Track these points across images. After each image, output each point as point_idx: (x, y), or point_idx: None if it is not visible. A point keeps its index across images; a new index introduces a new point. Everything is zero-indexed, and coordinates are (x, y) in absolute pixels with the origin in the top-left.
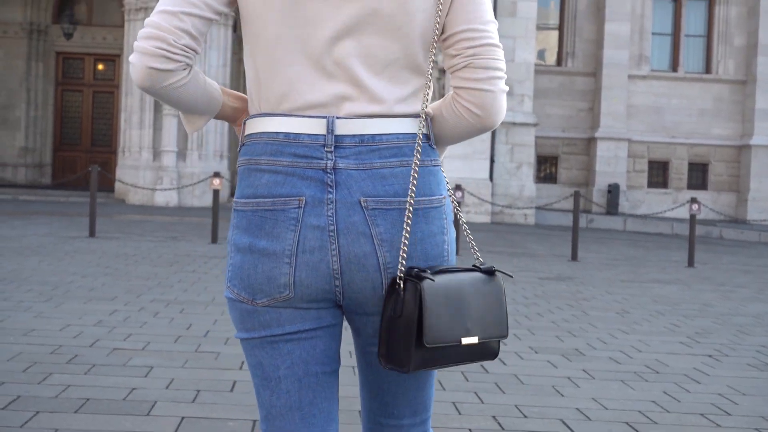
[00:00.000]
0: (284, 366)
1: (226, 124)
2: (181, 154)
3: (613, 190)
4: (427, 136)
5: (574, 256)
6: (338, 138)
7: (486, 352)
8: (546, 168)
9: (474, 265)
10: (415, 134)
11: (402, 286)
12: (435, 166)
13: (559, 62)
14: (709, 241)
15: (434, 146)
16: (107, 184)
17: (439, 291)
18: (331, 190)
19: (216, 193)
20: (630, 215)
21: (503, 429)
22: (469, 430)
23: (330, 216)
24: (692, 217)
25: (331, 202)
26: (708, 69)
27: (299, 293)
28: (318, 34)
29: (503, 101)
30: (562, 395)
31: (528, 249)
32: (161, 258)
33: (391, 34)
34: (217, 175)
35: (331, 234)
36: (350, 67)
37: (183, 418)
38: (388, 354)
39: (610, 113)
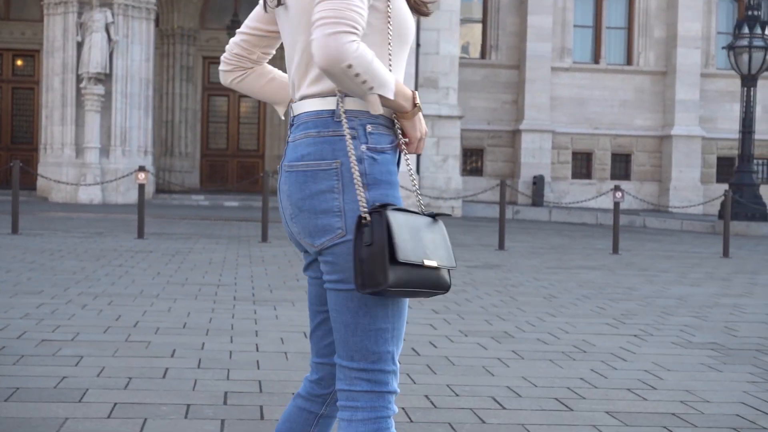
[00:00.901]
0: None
1: (150, 121)
2: (105, 151)
3: (538, 182)
4: (332, 111)
5: (501, 246)
6: (291, 119)
7: (441, 283)
8: (472, 161)
9: (420, 211)
10: (320, 110)
11: (369, 219)
12: (334, 136)
13: (483, 55)
14: (633, 230)
15: (341, 119)
16: (29, 182)
17: (399, 219)
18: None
19: (141, 187)
20: (555, 206)
21: (436, 407)
22: (403, 408)
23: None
24: (616, 204)
25: (280, 167)
26: (629, 61)
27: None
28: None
29: (326, 43)
30: (493, 375)
31: (456, 240)
32: (87, 253)
33: (298, 29)
34: (142, 169)
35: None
36: (288, 63)
37: (116, 404)
38: (363, 281)
39: (534, 105)
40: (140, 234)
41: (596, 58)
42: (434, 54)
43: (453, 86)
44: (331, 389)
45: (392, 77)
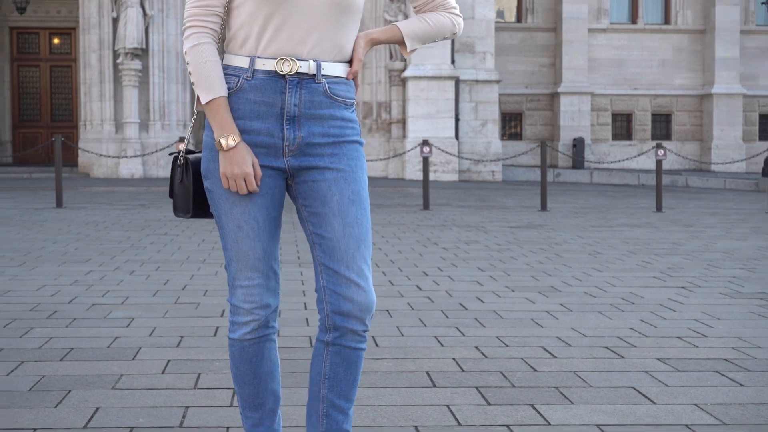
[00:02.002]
0: None
1: (188, 95)
2: (144, 125)
3: (578, 144)
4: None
5: (543, 207)
6: None
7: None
8: (511, 126)
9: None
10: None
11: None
12: None
13: (519, 19)
14: (675, 190)
15: None
16: (70, 159)
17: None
18: None
19: None
20: (596, 168)
21: (486, 357)
22: (454, 359)
23: None
24: (658, 162)
25: None
26: (667, 19)
27: None
28: None
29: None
30: (542, 326)
31: (498, 202)
32: (131, 223)
33: None
34: (182, 140)
35: None
36: None
37: (169, 360)
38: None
39: (572, 68)
40: None
41: (633, 17)
42: (470, 18)
43: (490, 50)
44: (322, 314)
45: (212, 92)
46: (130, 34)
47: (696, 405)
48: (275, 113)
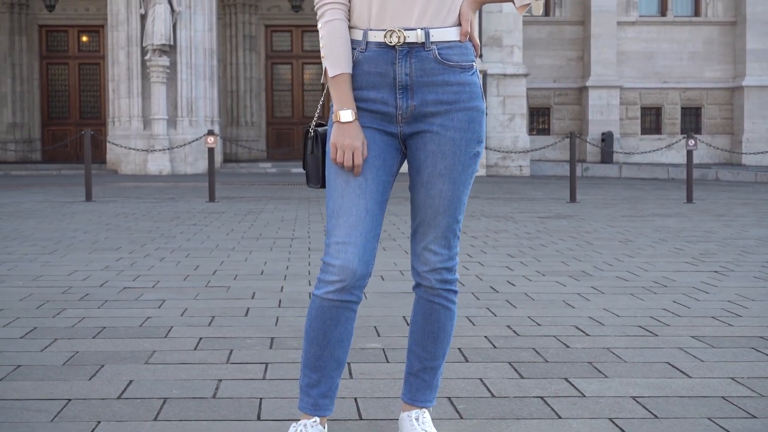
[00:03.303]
0: None
1: (216, 91)
2: (172, 122)
3: (606, 139)
4: None
5: (572, 198)
6: None
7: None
8: (540, 122)
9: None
10: None
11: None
12: None
13: (547, 12)
14: (706, 183)
15: None
16: (98, 156)
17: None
18: None
19: (211, 151)
20: (625, 163)
21: (519, 335)
22: (485, 337)
23: None
24: (689, 152)
25: None
26: (697, 11)
27: None
28: None
29: None
30: (574, 307)
31: (526, 195)
32: (161, 215)
33: None
34: (211, 133)
35: None
36: None
37: (201, 338)
38: None
39: (601, 61)
40: (211, 197)
41: (663, 10)
42: (497, 12)
43: (517, 44)
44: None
45: (338, 67)
46: (158, 31)
47: (732, 378)
48: (388, 83)
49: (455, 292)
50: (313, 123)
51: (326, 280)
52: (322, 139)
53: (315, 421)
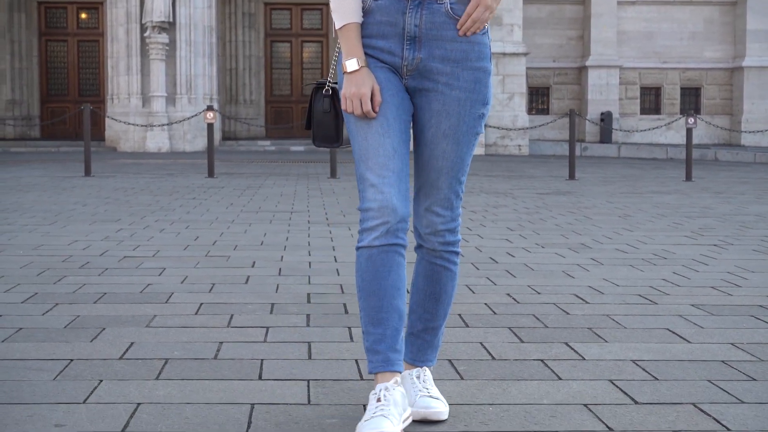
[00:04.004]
0: None
1: (215, 68)
2: (171, 99)
3: (605, 119)
4: None
5: (571, 176)
6: None
7: None
8: (539, 102)
9: None
10: None
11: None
12: None
13: None
14: (705, 163)
15: None
16: (97, 134)
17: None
18: None
19: (210, 126)
20: (624, 143)
21: (518, 302)
22: (485, 304)
23: None
24: (688, 131)
25: None
26: None
27: None
28: None
29: None
30: (573, 277)
31: (525, 172)
32: (160, 189)
33: None
34: (210, 108)
35: None
36: None
37: (201, 303)
38: None
39: (601, 41)
40: (210, 173)
41: None
42: None
43: (517, 23)
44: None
45: (345, 18)
46: (158, 8)
47: (732, 344)
48: (397, 33)
49: (457, 253)
50: (329, 80)
51: (369, 227)
52: (337, 95)
53: (396, 381)
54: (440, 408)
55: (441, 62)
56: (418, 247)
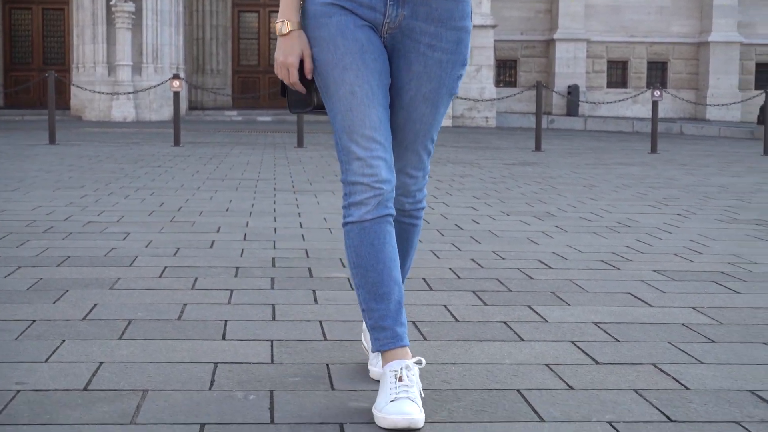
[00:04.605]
0: None
1: (182, 38)
2: (137, 68)
3: (572, 92)
4: None
5: (537, 147)
6: None
7: None
8: (506, 73)
9: None
10: None
11: None
12: None
13: None
14: (670, 136)
15: None
16: (63, 103)
17: None
18: None
19: (176, 95)
20: (590, 116)
21: (482, 267)
22: (450, 269)
23: None
24: (654, 103)
25: None
26: None
27: None
28: None
29: None
30: (537, 244)
31: (492, 144)
32: (125, 157)
33: None
34: (176, 76)
35: None
36: None
37: (166, 267)
38: None
39: (569, 14)
40: (176, 141)
41: None
42: None
43: None
44: None
45: None
46: None
47: (693, 308)
48: None
49: (424, 207)
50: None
51: (357, 201)
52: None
53: (419, 361)
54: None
55: (425, 21)
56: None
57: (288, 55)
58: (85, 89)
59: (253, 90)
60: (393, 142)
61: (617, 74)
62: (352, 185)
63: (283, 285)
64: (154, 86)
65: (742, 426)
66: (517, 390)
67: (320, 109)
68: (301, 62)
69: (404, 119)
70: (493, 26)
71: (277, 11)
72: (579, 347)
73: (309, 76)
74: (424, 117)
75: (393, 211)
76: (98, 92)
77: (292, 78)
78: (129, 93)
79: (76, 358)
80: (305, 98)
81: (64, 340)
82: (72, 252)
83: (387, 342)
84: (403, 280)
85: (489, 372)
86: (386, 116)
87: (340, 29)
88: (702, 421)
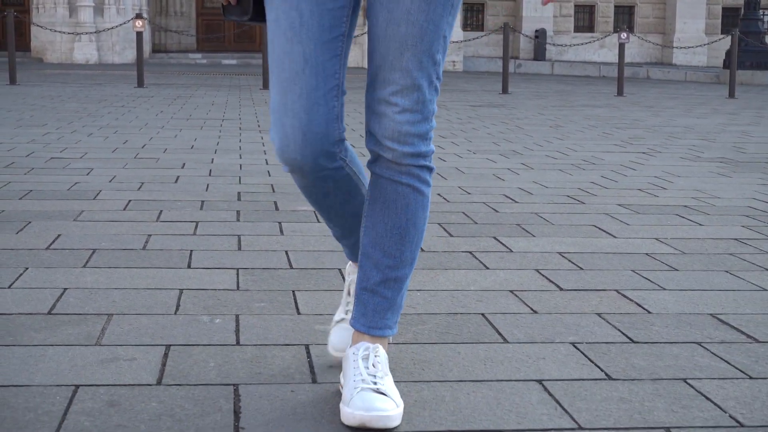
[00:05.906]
0: None
1: None
2: (99, 10)
3: (540, 35)
4: None
5: (504, 90)
6: None
7: None
8: (473, 18)
9: None
10: None
11: None
12: None
13: None
14: (637, 81)
15: None
16: (23, 46)
17: None
18: None
19: (139, 35)
20: (557, 60)
21: (449, 201)
22: None
23: None
24: (621, 45)
25: None
26: None
27: None
28: None
29: None
30: (503, 180)
31: (458, 86)
32: (88, 98)
33: None
34: (139, 16)
35: None
36: None
37: (130, 200)
38: None
39: None
40: (140, 83)
41: None
42: None
43: None
44: None
45: None
46: None
47: (656, 239)
48: None
49: (431, 169)
50: None
51: (279, 159)
52: None
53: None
54: (388, 409)
55: None
56: (373, 162)
57: None
58: (47, 29)
59: (218, 32)
60: (373, 63)
61: (584, 18)
62: (272, 141)
63: (248, 217)
64: (116, 26)
65: (703, 346)
66: (482, 314)
67: (261, 19)
68: None
69: (385, 22)
70: None
71: None
72: (543, 275)
73: None
74: (411, 15)
75: (323, 169)
76: (60, 32)
77: None
78: (91, 33)
79: (39, 284)
80: (245, 4)
81: (27, 268)
82: (34, 186)
83: (349, 255)
84: (406, 276)
85: (454, 297)
86: (320, 54)
87: None
88: (663, 342)
